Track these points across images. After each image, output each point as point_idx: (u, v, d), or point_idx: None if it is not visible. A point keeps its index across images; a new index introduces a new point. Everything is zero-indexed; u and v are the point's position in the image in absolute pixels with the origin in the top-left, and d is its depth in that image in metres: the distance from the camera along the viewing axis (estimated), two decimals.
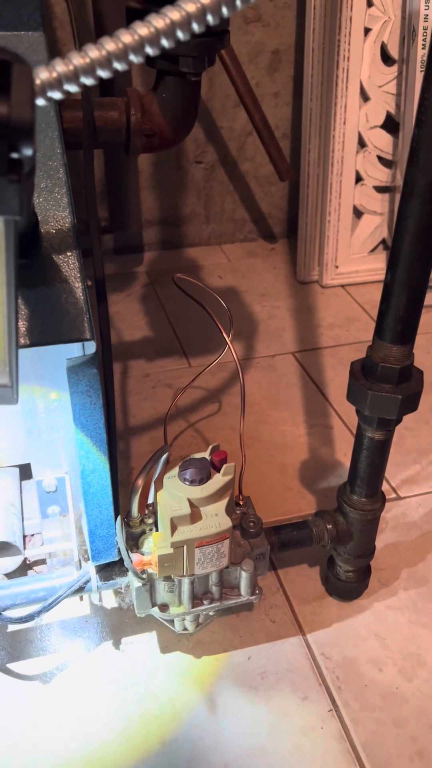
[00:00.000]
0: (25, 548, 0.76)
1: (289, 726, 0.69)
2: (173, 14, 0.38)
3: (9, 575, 0.76)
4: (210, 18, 0.38)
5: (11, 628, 0.77)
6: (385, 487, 0.83)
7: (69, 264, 0.52)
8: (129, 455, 1.04)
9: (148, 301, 1.46)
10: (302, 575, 0.85)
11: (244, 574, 0.68)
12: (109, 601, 0.80)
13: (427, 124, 0.50)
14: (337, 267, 1.49)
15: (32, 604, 0.68)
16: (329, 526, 0.74)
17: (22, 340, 0.51)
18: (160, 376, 1.23)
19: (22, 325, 0.51)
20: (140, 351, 1.30)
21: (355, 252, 1.50)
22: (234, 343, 0.89)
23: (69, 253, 0.52)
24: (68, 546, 0.79)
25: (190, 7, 0.38)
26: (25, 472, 0.80)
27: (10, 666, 0.74)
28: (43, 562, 0.84)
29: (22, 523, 0.75)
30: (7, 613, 0.67)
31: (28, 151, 0.31)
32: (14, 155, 0.32)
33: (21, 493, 0.82)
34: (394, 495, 0.97)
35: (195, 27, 0.38)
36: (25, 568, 0.83)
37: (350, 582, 0.78)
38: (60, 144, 0.54)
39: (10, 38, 0.55)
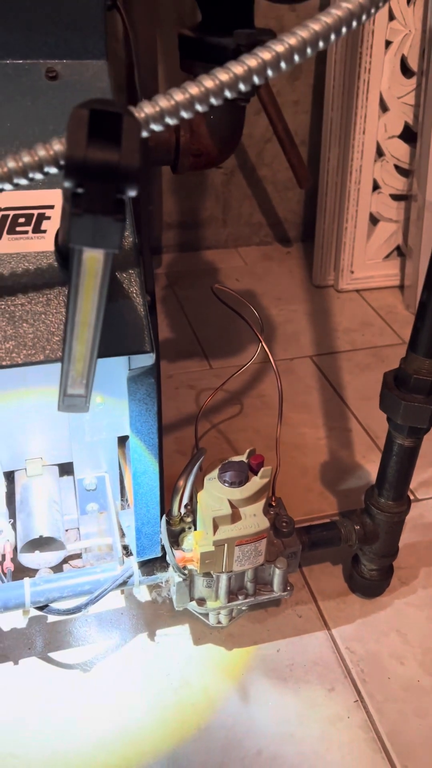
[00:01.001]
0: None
1: (317, 715, 0.73)
2: (251, 62, 0.41)
3: (52, 570, 0.80)
4: (284, 65, 0.42)
5: (51, 619, 0.81)
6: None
7: (131, 281, 0.55)
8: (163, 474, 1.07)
9: (167, 303, 1.49)
10: (326, 573, 0.89)
11: (277, 572, 0.72)
12: (143, 595, 0.84)
13: None
14: (352, 272, 1.53)
15: (77, 597, 0.72)
16: (357, 527, 0.78)
17: None
18: (182, 378, 1.26)
19: None
20: (162, 352, 1.33)
21: (370, 258, 1.54)
22: (256, 347, 0.92)
23: (131, 271, 0.56)
24: (105, 541, 0.82)
25: (267, 56, 0.42)
26: (61, 469, 0.84)
27: (51, 655, 0.78)
28: (78, 556, 0.88)
29: (63, 519, 0.79)
30: (55, 605, 0.71)
31: (132, 193, 0.35)
32: (119, 196, 0.35)
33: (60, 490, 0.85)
34: (411, 497, 1.01)
35: (270, 73, 0.42)
36: (61, 562, 0.87)
37: (374, 580, 0.82)
38: None
39: (76, 66, 0.59)
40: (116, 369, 0.64)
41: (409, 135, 1.44)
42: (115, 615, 0.82)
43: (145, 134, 0.41)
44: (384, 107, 1.40)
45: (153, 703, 0.74)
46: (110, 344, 0.54)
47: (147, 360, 0.56)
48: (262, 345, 0.74)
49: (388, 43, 1.34)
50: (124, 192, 0.35)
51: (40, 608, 0.71)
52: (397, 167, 1.46)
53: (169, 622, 0.82)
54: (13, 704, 0.73)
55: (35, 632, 0.80)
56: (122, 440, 0.79)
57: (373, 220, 1.51)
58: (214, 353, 1.33)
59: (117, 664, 0.77)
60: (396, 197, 1.49)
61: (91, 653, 0.78)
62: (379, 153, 1.44)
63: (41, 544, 0.76)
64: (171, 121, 0.41)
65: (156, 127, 0.41)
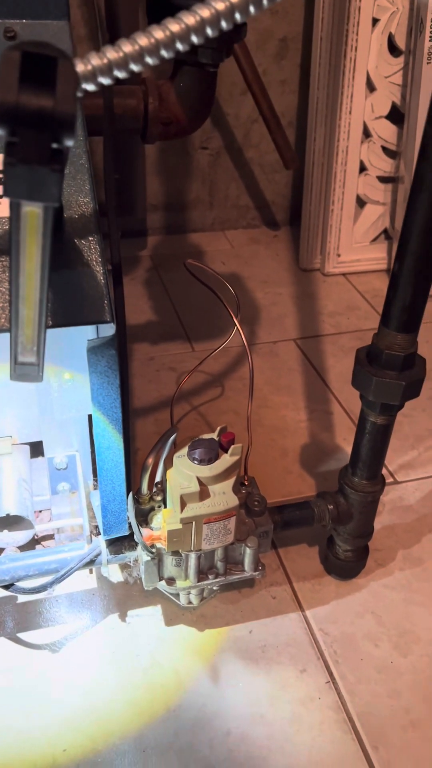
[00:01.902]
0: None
1: (289, 696, 0.72)
2: (203, 12, 0.40)
3: (20, 549, 0.79)
4: (238, 16, 0.40)
5: (21, 599, 0.80)
6: (383, 471, 0.86)
7: (91, 248, 0.54)
8: (134, 436, 1.06)
9: (151, 285, 1.48)
10: (302, 554, 0.88)
11: (248, 551, 0.71)
12: (116, 575, 0.83)
13: None
14: (339, 255, 1.51)
15: (44, 576, 0.70)
16: (330, 507, 0.76)
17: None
18: (163, 360, 1.25)
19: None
20: (144, 335, 1.32)
21: (357, 241, 1.52)
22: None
23: (91, 238, 0.54)
24: (77, 521, 0.81)
25: (220, 6, 0.40)
26: (33, 450, 0.83)
27: (20, 635, 0.77)
28: (50, 537, 0.86)
29: (32, 498, 0.78)
30: (21, 584, 0.70)
31: (69, 142, 0.33)
32: (55, 146, 0.34)
33: (31, 471, 0.84)
34: (391, 479, 1.00)
35: (224, 24, 0.40)
36: (33, 543, 0.86)
37: (349, 561, 0.81)
38: (83, 130, 0.56)
39: (36, 26, 0.57)
40: (82, 343, 0.62)
41: (396, 116, 1.42)
42: (87, 596, 0.81)
43: (92, 87, 0.39)
44: (371, 87, 1.37)
45: (122, 684, 0.72)
46: (68, 314, 0.53)
47: (107, 330, 0.54)
48: (232, 317, 0.72)
49: (375, 21, 1.31)
50: (61, 141, 0.33)
51: (6, 587, 0.70)
52: (384, 149, 1.44)
53: (141, 603, 0.80)
54: None
55: (4, 612, 0.79)
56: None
57: (360, 202, 1.49)
58: (197, 336, 1.31)
59: (86, 644, 0.76)
60: (383, 179, 1.47)
61: (61, 634, 0.77)
62: (366, 134, 1.42)
63: (9, 523, 0.75)
64: (119, 74, 0.40)
65: (104, 80, 0.39)
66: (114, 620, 0.79)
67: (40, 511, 0.87)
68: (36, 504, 0.81)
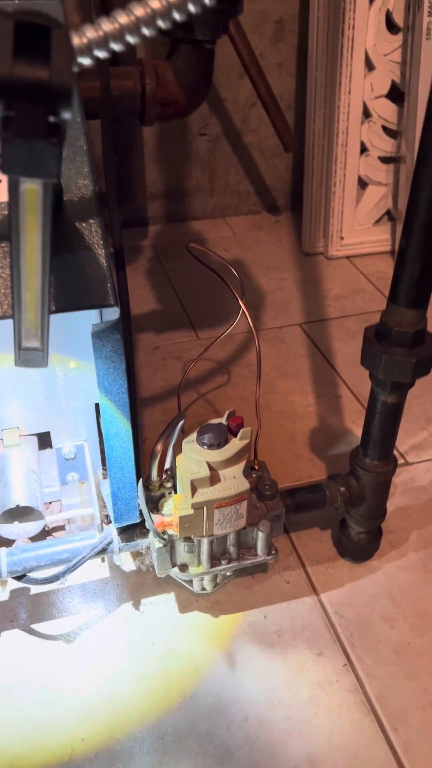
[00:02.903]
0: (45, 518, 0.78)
1: (306, 680, 0.72)
2: None
3: (31, 540, 0.78)
4: None
5: (34, 590, 0.80)
6: (394, 452, 0.85)
7: (92, 231, 0.53)
8: (142, 425, 1.05)
9: (154, 275, 1.47)
10: (314, 538, 0.87)
11: (260, 535, 0.70)
12: (128, 564, 0.82)
13: None
14: (342, 238, 1.50)
15: (56, 566, 0.70)
16: (342, 489, 0.76)
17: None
18: (169, 349, 1.24)
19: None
20: (148, 324, 1.31)
21: (360, 223, 1.50)
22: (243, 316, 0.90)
23: (92, 221, 0.53)
24: (87, 512, 0.81)
25: None
26: (42, 442, 0.82)
27: (34, 626, 0.76)
28: (61, 528, 0.86)
29: (42, 489, 0.77)
30: (33, 575, 0.69)
31: (66, 115, 0.33)
32: (53, 119, 0.33)
33: (39, 462, 0.83)
34: (402, 461, 0.99)
35: None
36: (44, 534, 0.85)
37: (362, 543, 0.81)
38: (80, 112, 0.55)
39: (29, 5, 0.56)
40: (87, 329, 0.62)
41: (396, 94, 1.40)
42: (99, 585, 0.81)
43: (88, 61, 0.38)
44: (370, 65, 1.35)
45: (138, 672, 0.72)
46: (70, 298, 0.52)
47: (111, 314, 0.53)
48: (237, 299, 0.71)
49: None
50: (58, 113, 0.32)
51: (18, 578, 0.69)
52: (384, 128, 1.43)
53: (154, 591, 0.80)
54: None
55: (18, 605, 0.79)
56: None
57: (362, 183, 1.47)
58: (202, 324, 1.30)
59: (101, 633, 0.76)
60: (384, 159, 1.46)
61: (75, 624, 0.77)
62: (366, 114, 1.40)
63: (19, 514, 0.75)
64: (115, 46, 0.39)
65: (101, 54, 0.38)
66: (128, 609, 0.78)
67: (51, 503, 0.86)
68: (46, 495, 0.81)
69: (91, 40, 0.38)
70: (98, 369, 0.57)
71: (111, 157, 0.59)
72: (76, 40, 0.37)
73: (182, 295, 1.39)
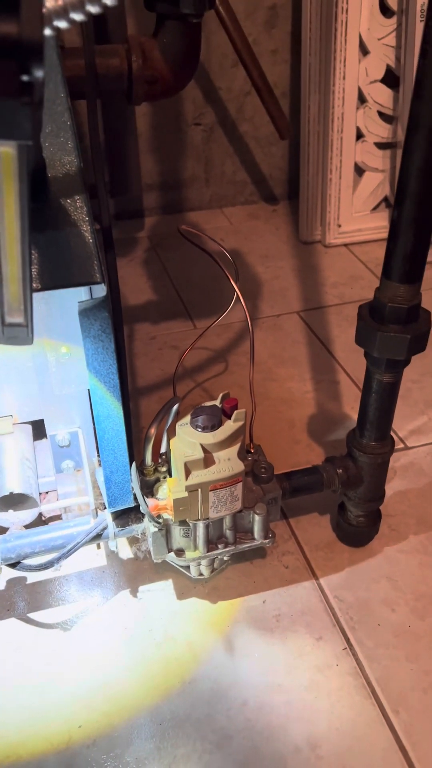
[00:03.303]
0: (40, 505, 0.77)
1: (305, 664, 0.71)
2: None
3: (26, 528, 0.78)
4: None
5: (30, 580, 0.79)
6: (393, 437, 0.84)
7: (77, 208, 0.52)
8: (138, 414, 1.05)
9: (150, 265, 1.46)
10: (313, 523, 0.86)
11: (257, 518, 0.70)
12: (125, 552, 0.82)
13: None
14: (339, 226, 1.49)
15: (51, 553, 0.69)
16: (340, 471, 0.75)
17: (33, 285, 0.51)
18: (165, 338, 1.23)
19: (33, 270, 0.51)
20: (145, 314, 1.30)
21: (357, 210, 1.49)
22: (238, 303, 0.89)
23: (77, 197, 0.52)
24: (84, 500, 0.80)
25: None
26: (38, 432, 0.81)
27: (31, 615, 0.76)
28: (58, 518, 0.85)
29: (36, 476, 0.76)
30: (27, 562, 0.69)
31: (39, 73, 0.32)
32: (25, 78, 0.32)
33: (35, 451, 0.83)
34: (402, 445, 0.98)
35: None
36: (41, 524, 0.84)
37: (361, 527, 0.80)
38: (64, 87, 0.54)
39: None
40: (77, 312, 0.61)
41: (391, 79, 1.39)
42: (97, 573, 0.80)
43: (65, 24, 0.37)
44: (364, 50, 1.34)
45: (136, 659, 0.71)
46: (56, 276, 0.51)
47: (98, 292, 0.52)
48: (229, 279, 0.70)
49: None
50: (29, 71, 0.31)
51: (12, 565, 0.68)
52: (380, 114, 1.41)
53: (152, 578, 0.79)
54: None
55: (14, 594, 0.78)
56: None
57: (359, 170, 1.46)
58: (198, 313, 1.29)
59: (98, 621, 0.75)
60: (381, 145, 1.44)
61: (72, 612, 0.76)
62: (361, 99, 1.39)
63: (14, 502, 0.74)
64: (92, 8, 0.38)
65: (61, 24, 0.37)
66: (125, 596, 0.78)
67: (47, 493, 0.86)
68: (42, 486, 0.80)
69: (51, 10, 0.37)
70: (87, 349, 0.56)
71: (97, 136, 0.58)
72: (50, 2, 0.36)
73: (179, 285, 1.38)
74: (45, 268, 0.51)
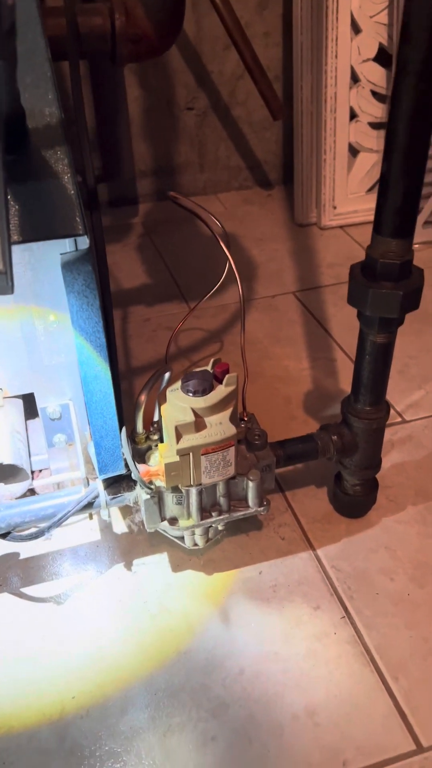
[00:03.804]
0: (33, 480, 0.76)
1: (303, 633, 0.69)
2: None
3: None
4: None
5: (24, 554, 0.78)
6: (391, 411, 0.83)
7: (58, 158, 0.51)
8: (132, 394, 1.03)
9: (145, 250, 1.45)
10: (310, 496, 0.85)
11: (251, 485, 0.68)
12: (119, 526, 0.81)
13: None
14: (335, 208, 1.48)
15: (42, 522, 0.68)
16: (335, 438, 0.74)
17: (15, 237, 0.50)
18: (160, 320, 1.22)
19: (14, 223, 0.50)
20: (139, 297, 1.29)
21: (352, 191, 1.48)
22: (233, 284, 0.87)
23: (58, 148, 0.51)
24: (76, 475, 0.79)
25: None
26: (31, 412, 0.80)
27: (24, 590, 0.75)
28: None
29: (28, 449, 0.75)
30: (18, 532, 0.68)
31: (6, 25, 0.31)
32: None
33: (27, 430, 0.82)
34: (399, 419, 0.97)
35: None
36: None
37: (358, 496, 0.78)
38: (43, 39, 0.53)
39: None
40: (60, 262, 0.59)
41: (384, 58, 1.37)
42: (91, 548, 0.79)
43: None
44: (356, 28, 1.33)
45: (130, 631, 0.70)
46: (38, 227, 0.50)
47: (81, 244, 0.51)
48: (220, 243, 0.69)
49: None
50: None
51: (2, 536, 0.67)
52: (373, 93, 1.40)
53: (146, 552, 0.78)
54: None
55: (7, 569, 0.77)
56: None
57: (353, 150, 1.45)
58: (193, 295, 1.28)
59: (92, 594, 0.74)
60: (375, 125, 1.43)
61: (66, 586, 0.75)
62: (354, 78, 1.37)
63: (5, 474, 0.73)
64: None
65: None
66: (120, 570, 0.76)
67: (40, 471, 0.85)
68: (35, 464, 0.79)
69: None
70: (71, 306, 0.55)
71: (80, 95, 0.57)
72: None
73: (173, 268, 1.37)
74: (26, 220, 0.50)
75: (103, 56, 0.69)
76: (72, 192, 0.51)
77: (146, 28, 0.67)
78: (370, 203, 1.49)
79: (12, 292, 0.46)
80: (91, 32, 0.66)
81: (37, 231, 0.50)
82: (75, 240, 0.52)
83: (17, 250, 0.54)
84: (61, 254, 0.52)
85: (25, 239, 0.50)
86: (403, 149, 0.55)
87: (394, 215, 0.58)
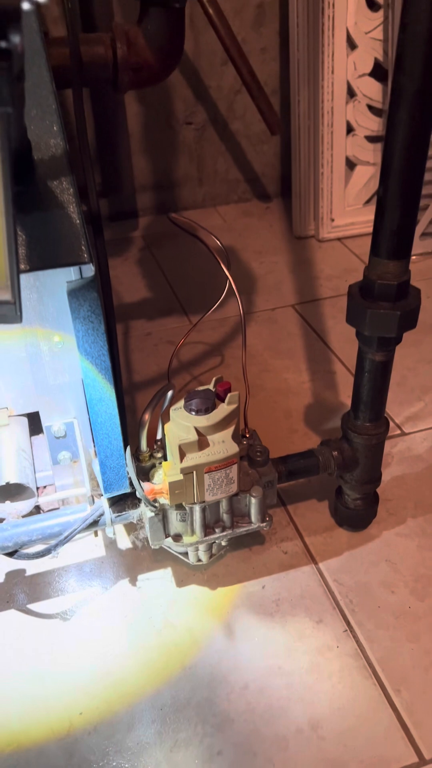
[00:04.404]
0: (38, 497, 0.78)
1: (306, 647, 0.71)
2: None
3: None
4: None
5: (29, 571, 0.79)
6: (390, 424, 0.84)
7: (63, 189, 0.52)
8: (135, 409, 1.05)
9: (145, 264, 1.46)
10: (311, 509, 0.86)
11: (253, 501, 0.70)
12: (124, 542, 0.82)
13: (412, 27, 0.51)
14: (332, 220, 1.49)
15: (48, 541, 0.69)
16: (335, 453, 0.75)
17: (22, 266, 0.51)
18: (161, 334, 1.23)
19: (21, 252, 0.51)
20: (140, 312, 1.31)
21: (349, 204, 1.50)
22: (233, 298, 0.89)
23: (63, 179, 0.53)
24: (80, 491, 0.80)
25: None
26: (35, 428, 0.81)
27: (31, 606, 0.76)
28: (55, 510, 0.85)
29: (33, 467, 0.77)
30: (25, 550, 0.69)
31: (15, 39, 0.32)
32: (2, 44, 0.32)
33: (32, 446, 0.83)
34: (398, 431, 0.98)
35: None
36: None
37: (359, 510, 0.80)
38: (48, 72, 0.55)
39: None
40: (66, 290, 0.61)
41: (379, 73, 1.39)
42: (96, 564, 0.80)
43: (27, 5, 0.38)
44: (352, 44, 1.35)
45: (135, 646, 0.71)
46: (44, 256, 0.52)
47: (86, 271, 0.53)
48: (219, 264, 0.71)
49: None
50: (6, 37, 0.32)
51: (10, 554, 0.68)
52: (370, 107, 1.42)
53: (151, 567, 0.79)
54: None
55: (13, 586, 0.78)
56: None
57: (350, 164, 1.46)
58: (194, 309, 1.30)
59: (98, 611, 0.75)
60: (371, 139, 1.45)
61: (72, 602, 0.76)
62: (351, 93, 1.39)
63: (11, 493, 0.74)
64: None
65: None
66: (125, 585, 0.78)
67: (45, 487, 0.86)
68: (40, 480, 0.80)
69: None
70: (77, 331, 0.56)
71: (84, 123, 0.59)
72: None
73: (174, 282, 1.39)
74: (33, 249, 0.51)
75: (105, 84, 0.71)
76: (77, 221, 0.52)
77: (147, 56, 0.69)
78: (367, 215, 1.52)
79: (20, 321, 0.48)
80: (93, 61, 0.68)
81: (43, 260, 0.51)
82: (80, 267, 0.53)
83: (23, 275, 0.55)
84: (67, 282, 0.53)
85: (32, 268, 0.51)
86: (399, 175, 0.56)
87: (390, 238, 0.60)
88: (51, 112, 0.54)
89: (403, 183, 0.56)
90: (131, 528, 0.82)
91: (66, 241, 0.52)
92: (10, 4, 0.31)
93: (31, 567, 0.80)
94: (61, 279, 0.56)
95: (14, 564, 0.79)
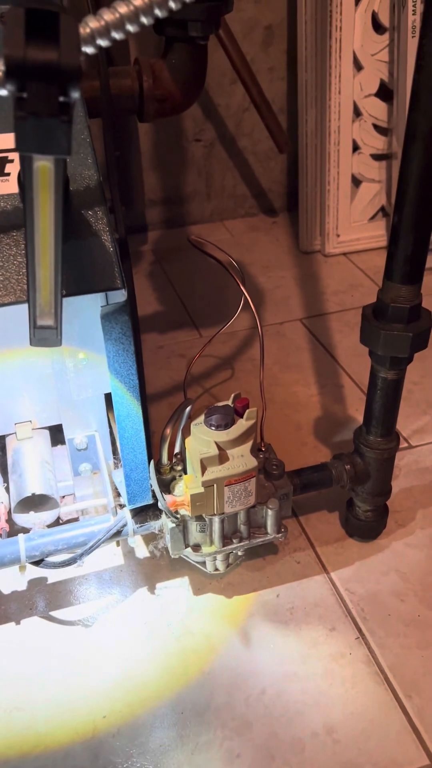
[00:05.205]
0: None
1: (320, 654, 0.73)
2: None
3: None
4: None
5: (51, 579, 0.82)
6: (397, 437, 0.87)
7: (98, 218, 0.55)
8: (151, 421, 1.08)
9: (155, 278, 1.50)
10: (322, 520, 0.89)
11: (270, 512, 0.73)
12: (142, 551, 0.85)
13: (427, 68, 0.54)
14: (338, 236, 1.53)
15: (73, 550, 0.72)
16: (348, 467, 0.78)
17: None
18: (173, 348, 1.26)
19: None
20: (152, 325, 1.34)
21: (355, 220, 1.53)
22: (242, 312, 0.93)
23: (97, 209, 0.56)
24: (101, 502, 0.83)
25: None
26: (55, 440, 0.84)
27: (53, 613, 0.78)
28: (75, 520, 0.88)
29: (56, 479, 0.79)
30: (50, 559, 0.71)
31: (75, 94, 0.35)
32: (63, 98, 0.35)
33: (53, 455, 0.86)
34: (406, 444, 1.01)
35: None
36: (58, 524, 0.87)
37: (369, 521, 0.82)
38: (82, 107, 0.58)
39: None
40: (95, 321, 0.64)
41: (385, 93, 1.43)
42: (115, 572, 0.83)
43: (91, 50, 0.41)
44: (358, 66, 1.39)
45: (155, 652, 0.74)
46: (80, 282, 0.55)
47: (119, 297, 0.56)
48: (237, 283, 0.74)
49: (357, 0, 1.33)
50: (68, 93, 0.35)
51: (36, 563, 0.71)
52: (375, 126, 1.46)
53: (169, 575, 0.82)
54: (16, 661, 0.73)
55: (35, 593, 0.81)
56: (110, 398, 0.79)
57: (356, 181, 1.50)
58: (204, 323, 1.33)
59: (118, 617, 0.78)
60: (377, 157, 1.49)
61: (92, 609, 0.79)
62: (357, 113, 1.43)
63: (35, 503, 0.77)
64: (117, 35, 0.41)
65: (103, 42, 0.41)
66: (143, 593, 0.80)
67: (64, 497, 0.88)
68: (60, 490, 0.83)
69: (94, 30, 0.40)
70: (108, 351, 0.59)
71: (112, 152, 0.62)
72: (81, 30, 0.40)
73: (183, 296, 1.42)
74: (69, 275, 0.54)
75: (131, 114, 0.74)
76: (111, 249, 0.55)
77: (171, 88, 0.72)
78: (372, 231, 1.55)
79: (60, 344, 0.51)
80: (120, 92, 0.71)
81: (79, 285, 0.54)
82: (108, 294, 0.57)
83: None
84: (101, 306, 0.56)
85: (69, 293, 0.54)
86: (413, 205, 0.60)
87: (404, 263, 0.63)
88: (86, 146, 0.57)
89: (416, 213, 0.60)
90: (149, 538, 0.85)
91: (100, 267, 0.55)
92: (73, 65, 0.34)
93: (53, 575, 0.82)
94: (90, 304, 0.59)
95: (36, 572, 0.82)
